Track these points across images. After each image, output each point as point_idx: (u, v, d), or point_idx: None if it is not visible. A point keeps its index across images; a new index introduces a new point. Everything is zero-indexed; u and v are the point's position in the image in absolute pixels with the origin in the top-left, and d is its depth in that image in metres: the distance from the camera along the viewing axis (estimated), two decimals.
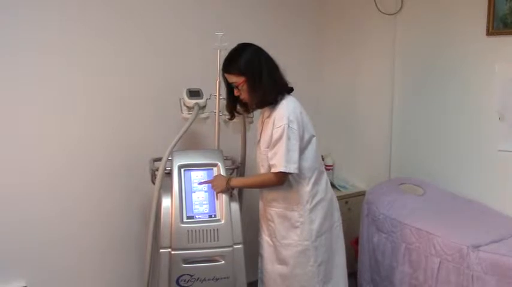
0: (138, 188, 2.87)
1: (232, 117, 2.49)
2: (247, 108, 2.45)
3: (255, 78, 2.24)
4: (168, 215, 2.34)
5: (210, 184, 2.42)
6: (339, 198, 2.62)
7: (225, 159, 2.58)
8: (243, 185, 2.51)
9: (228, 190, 2.40)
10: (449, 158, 2.98)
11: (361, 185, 3.54)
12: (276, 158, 2.23)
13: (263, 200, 2.45)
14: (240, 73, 2.25)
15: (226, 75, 2.31)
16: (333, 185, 3.38)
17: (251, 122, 2.68)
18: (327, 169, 3.42)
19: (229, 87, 2.36)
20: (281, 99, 2.29)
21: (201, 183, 2.42)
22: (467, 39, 2.81)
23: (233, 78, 2.28)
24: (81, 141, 2.72)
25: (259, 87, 2.25)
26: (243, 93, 2.30)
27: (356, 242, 3.10)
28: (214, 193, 2.41)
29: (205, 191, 2.42)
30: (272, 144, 2.25)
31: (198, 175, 2.44)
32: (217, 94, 2.59)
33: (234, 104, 2.43)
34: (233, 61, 2.27)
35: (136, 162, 2.82)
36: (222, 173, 2.44)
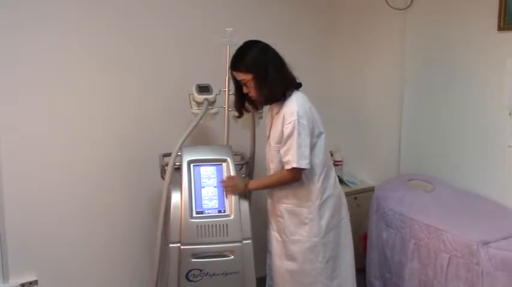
0: (148, 183, 2.87)
1: (240, 115, 2.50)
2: (256, 106, 2.46)
3: (262, 75, 2.25)
4: (177, 210, 2.34)
5: (220, 191, 2.42)
6: (348, 194, 2.61)
7: (234, 155, 2.58)
8: (260, 186, 2.43)
9: (245, 193, 2.40)
10: (459, 153, 2.95)
11: (370, 181, 3.52)
12: (289, 154, 2.23)
13: (272, 196, 2.45)
14: (247, 70, 2.26)
15: (234, 72, 2.32)
16: (341, 181, 3.37)
17: (260, 118, 2.67)
18: (335, 165, 3.42)
19: (238, 85, 2.37)
20: (289, 95, 2.29)
21: (221, 181, 2.41)
22: (478, 34, 2.79)
23: (241, 76, 2.29)
24: (90, 138, 2.73)
25: (267, 84, 2.25)
26: (251, 91, 2.31)
27: (365, 238, 3.09)
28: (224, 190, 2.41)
29: (215, 187, 2.42)
30: (284, 140, 2.26)
31: (207, 171, 2.44)
32: (226, 90, 2.59)
33: (242, 102, 2.43)
34: (240, 59, 2.28)
35: (146, 157, 2.83)
36: (232, 172, 2.43)
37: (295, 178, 2.28)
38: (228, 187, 2.39)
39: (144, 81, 2.85)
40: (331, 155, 3.50)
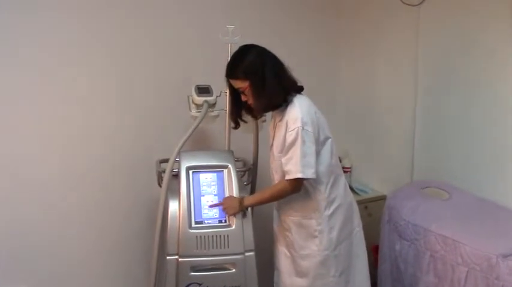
0: (144, 191, 2.85)
1: (236, 126, 2.43)
2: (254, 114, 2.38)
3: (260, 81, 2.17)
4: (175, 219, 2.30)
5: (221, 199, 2.37)
6: (358, 203, 2.60)
7: (236, 160, 2.54)
8: (258, 202, 2.34)
9: (242, 210, 2.32)
10: (477, 159, 2.85)
11: (381, 189, 3.45)
12: (291, 163, 2.15)
13: (279, 208, 2.39)
14: (245, 77, 2.18)
15: (231, 81, 2.25)
16: (351, 189, 3.29)
17: (264, 121, 2.61)
18: (344, 172, 3.34)
19: (234, 94, 2.31)
20: (291, 100, 2.21)
21: (211, 206, 2.35)
22: (495, 32, 2.69)
23: (238, 84, 2.22)
24: (86, 142, 2.73)
25: (265, 90, 2.17)
26: (249, 98, 2.23)
27: (376, 249, 3.01)
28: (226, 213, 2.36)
29: (215, 195, 2.38)
30: (286, 149, 2.17)
31: (207, 178, 2.40)
32: (228, 91, 2.49)
33: (238, 111, 2.37)
34: (236, 65, 2.21)
35: (143, 163, 2.82)
36: (233, 179, 2.38)
37: (295, 188, 2.20)
38: (224, 209, 2.34)
39: (140, 83, 2.82)
40: (340, 161, 3.43)
